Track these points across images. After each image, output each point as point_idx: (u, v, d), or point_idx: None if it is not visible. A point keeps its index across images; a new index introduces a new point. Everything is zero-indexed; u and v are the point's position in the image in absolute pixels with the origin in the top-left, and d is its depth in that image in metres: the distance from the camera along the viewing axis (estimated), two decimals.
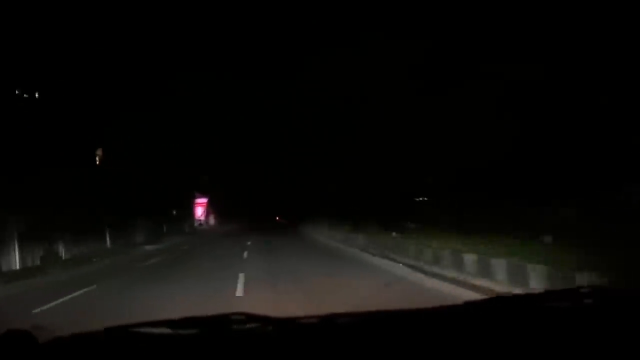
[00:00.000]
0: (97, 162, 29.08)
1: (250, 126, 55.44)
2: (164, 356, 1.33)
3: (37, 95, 21.18)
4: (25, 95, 20.27)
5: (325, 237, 24.28)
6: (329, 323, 1.54)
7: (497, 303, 1.54)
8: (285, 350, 1.31)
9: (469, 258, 8.89)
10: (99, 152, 29.21)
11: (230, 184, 64.97)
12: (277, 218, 79.72)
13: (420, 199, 29.16)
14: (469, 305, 1.55)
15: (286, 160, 57.92)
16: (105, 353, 1.37)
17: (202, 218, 57.68)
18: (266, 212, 79.03)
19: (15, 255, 16.96)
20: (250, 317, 1.53)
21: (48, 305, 9.03)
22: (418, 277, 9.60)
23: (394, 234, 16.16)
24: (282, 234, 32.53)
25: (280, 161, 61.02)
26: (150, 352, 1.35)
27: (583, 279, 5.78)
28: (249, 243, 22.72)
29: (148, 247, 26.22)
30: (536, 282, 6.82)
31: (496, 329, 1.36)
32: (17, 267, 16.95)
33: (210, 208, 61.65)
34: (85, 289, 11.05)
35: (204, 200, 58.29)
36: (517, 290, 6.28)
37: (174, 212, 44.97)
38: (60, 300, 9.69)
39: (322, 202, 40.24)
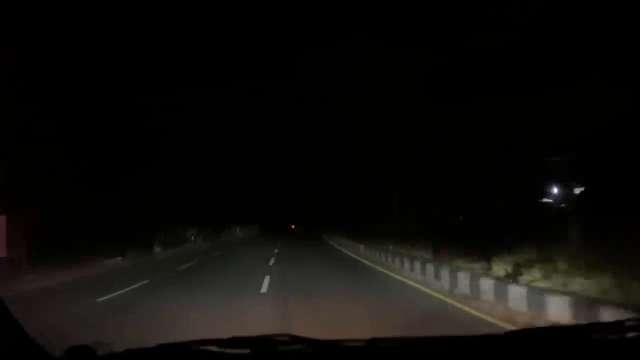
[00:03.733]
0: None
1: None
2: None
3: None
4: None
5: None
6: (373, 347, 1.58)
7: (541, 334, 1.56)
8: None
9: None
10: None
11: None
12: (292, 227, 77.09)
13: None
14: (512, 335, 1.56)
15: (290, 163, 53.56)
16: None
17: None
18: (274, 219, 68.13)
19: None
20: (295, 339, 1.57)
21: None
22: None
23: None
24: None
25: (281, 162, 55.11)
26: None
27: None
28: None
29: None
30: None
31: None
32: None
33: None
34: None
35: None
36: None
37: None
38: None
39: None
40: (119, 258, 19.06)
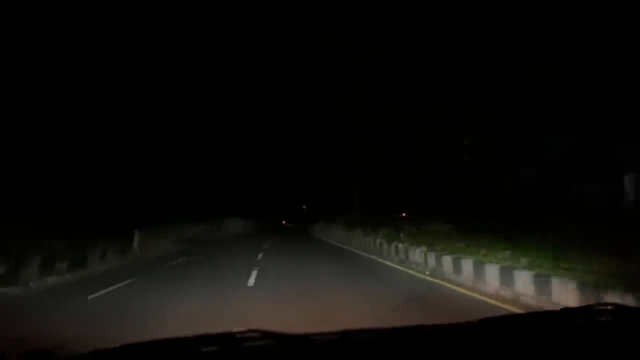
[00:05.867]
0: None
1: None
2: None
3: None
4: None
5: None
6: (345, 340, 1.55)
7: (513, 321, 1.56)
8: None
9: None
10: None
11: None
12: (284, 222, 71.39)
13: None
14: (485, 322, 1.56)
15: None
16: None
17: None
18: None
19: None
20: (264, 334, 1.53)
21: None
22: None
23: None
24: None
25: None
26: None
27: None
28: None
29: None
30: None
31: (512, 348, 1.37)
32: None
33: None
34: None
35: None
36: None
37: None
38: None
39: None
40: None
